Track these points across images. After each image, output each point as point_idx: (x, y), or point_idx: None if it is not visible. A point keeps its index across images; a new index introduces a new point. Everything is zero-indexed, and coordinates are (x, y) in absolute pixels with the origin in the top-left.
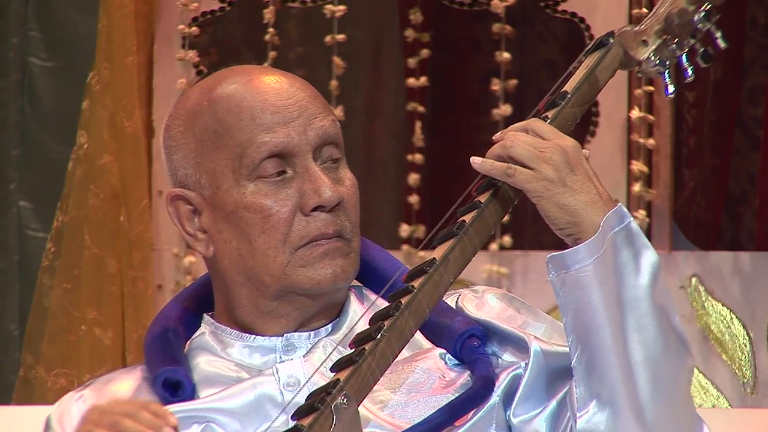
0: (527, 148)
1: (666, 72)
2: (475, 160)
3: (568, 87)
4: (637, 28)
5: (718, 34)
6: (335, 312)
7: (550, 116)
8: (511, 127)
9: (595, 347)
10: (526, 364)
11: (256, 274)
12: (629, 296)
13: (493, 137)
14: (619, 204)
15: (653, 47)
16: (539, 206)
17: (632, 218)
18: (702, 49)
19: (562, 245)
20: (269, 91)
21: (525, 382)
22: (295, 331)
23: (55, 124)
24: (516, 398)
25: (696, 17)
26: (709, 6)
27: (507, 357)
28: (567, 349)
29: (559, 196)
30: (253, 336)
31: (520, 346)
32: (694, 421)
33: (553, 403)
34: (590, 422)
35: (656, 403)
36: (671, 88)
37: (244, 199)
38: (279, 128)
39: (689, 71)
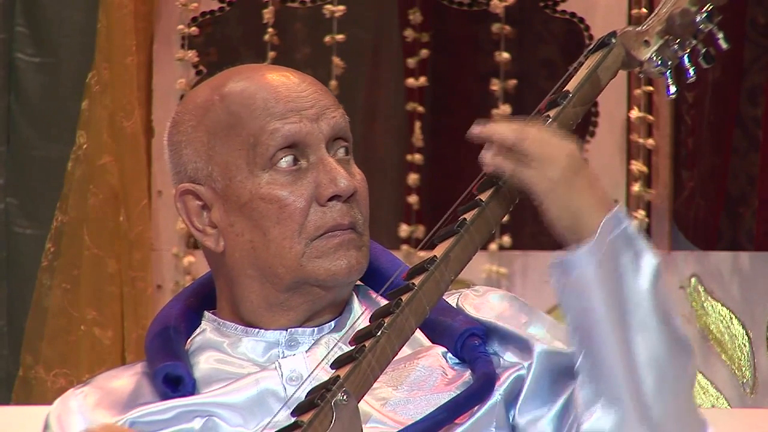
0: (538, 145)
1: (668, 72)
2: (486, 158)
3: (570, 87)
4: (639, 29)
5: (720, 35)
6: (339, 309)
7: (551, 115)
8: (519, 123)
9: (598, 349)
10: (530, 365)
11: (270, 266)
12: (631, 298)
13: (488, 128)
14: (618, 207)
15: (655, 48)
16: (543, 206)
17: (631, 221)
18: (704, 50)
19: (561, 246)
20: (280, 84)
21: (529, 383)
22: (299, 326)
23: (42, 120)
24: (521, 398)
25: (698, 18)
26: (711, 7)
27: (509, 357)
28: (570, 349)
29: (564, 197)
30: (256, 330)
31: (522, 346)
32: (699, 422)
33: (559, 404)
34: (595, 425)
35: (661, 403)
36: (673, 89)
37: (260, 189)
38: (292, 115)
39: (691, 72)
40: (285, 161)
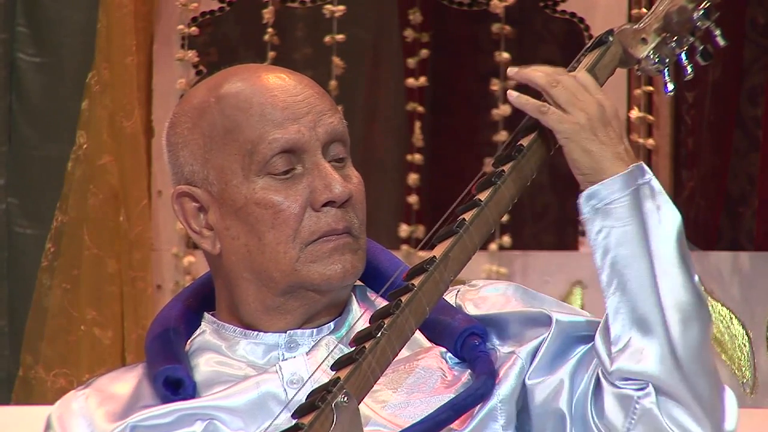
0: (567, 92)
1: (665, 70)
2: (512, 94)
3: None
4: (636, 26)
5: (718, 32)
6: (338, 310)
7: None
8: (559, 69)
9: (630, 278)
10: (545, 338)
11: (265, 270)
12: (655, 244)
13: (523, 72)
14: (643, 163)
15: (652, 45)
16: (565, 148)
17: (654, 178)
18: (701, 47)
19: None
20: (277, 87)
21: (545, 348)
22: (298, 328)
23: (43, 120)
24: (534, 363)
25: (695, 15)
26: (708, 4)
27: (506, 348)
28: (580, 318)
29: (587, 141)
30: (255, 332)
31: (539, 321)
32: (720, 382)
33: (573, 361)
34: (632, 359)
35: (686, 345)
36: (670, 86)
37: (254, 194)
38: (289, 124)
39: (689, 69)
40: (280, 167)
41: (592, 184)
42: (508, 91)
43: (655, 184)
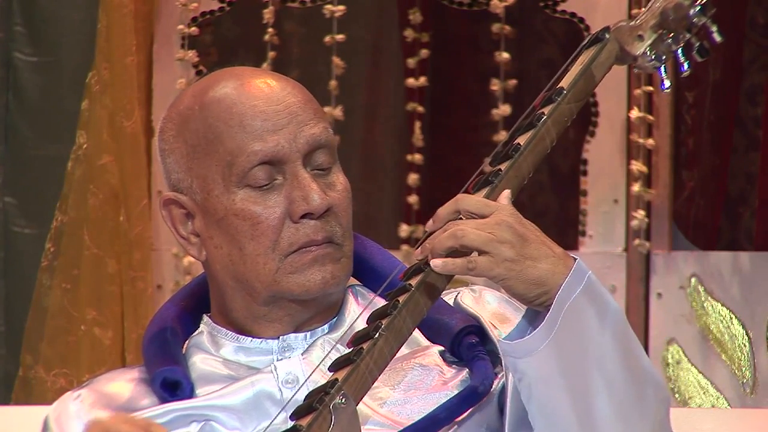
0: (479, 234)
1: (662, 67)
2: (436, 263)
3: (564, 83)
4: (632, 23)
5: (714, 28)
6: (331, 313)
7: (546, 112)
8: (440, 211)
9: (556, 423)
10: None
11: (247, 280)
12: (595, 357)
13: (426, 227)
14: (575, 263)
15: (649, 42)
16: (506, 287)
17: (588, 271)
18: (698, 44)
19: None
20: (259, 96)
21: (510, 406)
22: (291, 333)
23: (40, 119)
24: (506, 418)
25: (692, 11)
26: (704, 0)
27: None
28: None
29: (524, 272)
30: (249, 338)
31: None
32: None
33: None
34: None
35: None
36: (667, 83)
37: (234, 205)
38: (268, 135)
39: (685, 66)
40: (260, 178)
41: (543, 305)
42: (432, 262)
43: (592, 280)
